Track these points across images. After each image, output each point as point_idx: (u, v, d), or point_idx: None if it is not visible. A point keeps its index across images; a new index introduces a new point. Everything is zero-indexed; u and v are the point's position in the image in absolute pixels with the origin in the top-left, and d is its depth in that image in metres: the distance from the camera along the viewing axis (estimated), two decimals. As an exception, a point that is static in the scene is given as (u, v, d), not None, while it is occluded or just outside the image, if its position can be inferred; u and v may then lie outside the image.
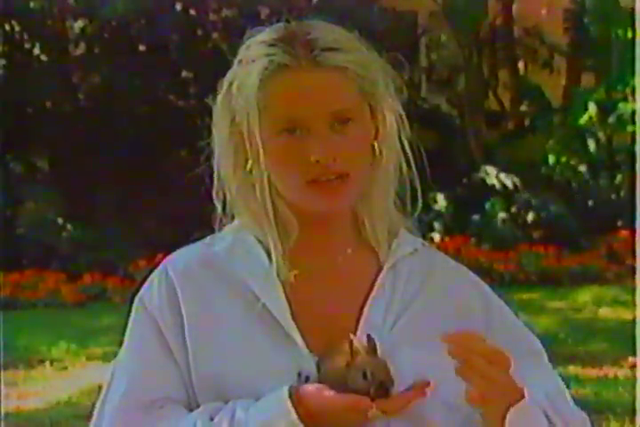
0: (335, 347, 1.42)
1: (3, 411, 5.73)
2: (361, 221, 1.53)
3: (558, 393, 1.50)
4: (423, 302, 1.51)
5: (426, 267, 1.55)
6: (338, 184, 1.43)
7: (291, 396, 1.38)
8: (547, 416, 1.44)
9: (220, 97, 1.49)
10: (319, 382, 1.41)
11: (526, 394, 1.40)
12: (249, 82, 1.43)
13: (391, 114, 1.48)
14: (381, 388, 1.37)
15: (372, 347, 1.39)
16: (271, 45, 1.43)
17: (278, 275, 1.48)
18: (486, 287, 1.58)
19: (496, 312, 1.55)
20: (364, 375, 1.37)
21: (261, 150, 1.43)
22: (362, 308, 1.49)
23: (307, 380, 1.43)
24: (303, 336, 1.46)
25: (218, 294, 1.49)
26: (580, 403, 1.53)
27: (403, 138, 1.50)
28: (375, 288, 1.50)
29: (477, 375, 1.35)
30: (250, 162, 1.47)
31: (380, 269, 1.53)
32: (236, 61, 1.48)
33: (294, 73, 1.41)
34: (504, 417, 1.39)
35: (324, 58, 1.42)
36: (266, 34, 1.46)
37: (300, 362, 1.44)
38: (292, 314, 1.47)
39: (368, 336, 1.39)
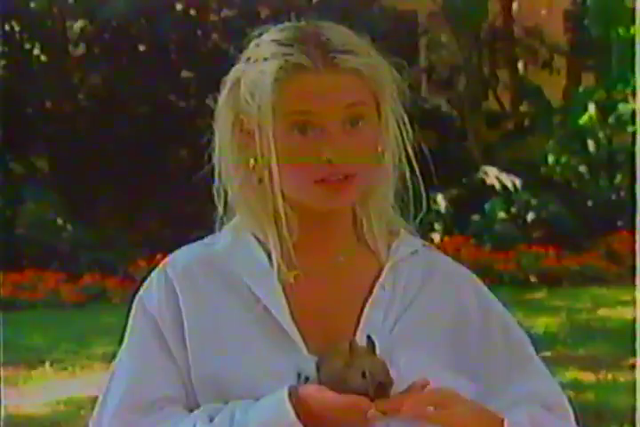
0: (334, 347, 1.42)
1: (3, 411, 5.73)
2: (359, 223, 1.53)
3: (547, 402, 1.49)
4: (423, 303, 1.51)
5: (426, 268, 1.55)
6: (344, 183, 1.44)
7: (290, 396, 1.38)
8: None
9: (223, 94, 1.48)
10: (319, 382, 1.41)
11: (506, 424, 1.41)
12: (263, 80, 1.42)
13: (394, 116, 1.49)
14: (380, 388, 1.37)
15: (371, 347, 1.39)
16: (285, 45, 1.43)
17: (278, 275, 1.48)
18: (485, 289, 1.58)
19: (493, 315, 1.55)
20: (363, 376, 1.37)
21: (273, 148, 1.43)
22: (362, 308, 1.49)
23: (306, 380, 1.42)
24: (303, 337, 1.46)
25: (217, 293, 1.49)
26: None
27: (405, 140, 1.51)
28: (376, 289, 1.50)
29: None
30: (252, 160, 1.47)
31: (380, 270, 1.53)
32: (242, 59, 1.47)
33: (311, 74, 1.41)
34: None
35: (341, 60, 1.42)
36: (277, 33, 1.46)
37: (300, 363, 1.44)
38: (292, 314, 1.47)
39: (368, 337, 1.39)
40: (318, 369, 1.43)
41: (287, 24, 1.48)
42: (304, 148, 1.42)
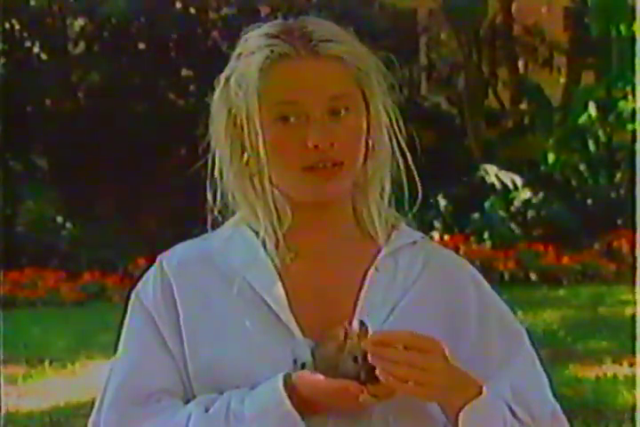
0: (329, 332, 1.42)
1: (3, 409, 5.73)
2: (359, 212, 1.55)
3: (530, 385, 1.50)
4: (422, 288, 1.52)
5: (426, 256, 1.56)
6: (332, 171, 1.45)
7: (285, 384, 1.39)
8: (512, 410, 1.44)
9: (217, 91, 1.51)
10: (314, 368, 1.41)
11: (484, 389, 1.41)
12: (249, 72, 1.45)
13: (383, 108, 1.51)
14: (372, 372, 1.37)
15: (364, 332, 1.39)
16: (271, 37, 1.46)
17: (273, 261, 1.49)
18: (482, 279, 1.59)
19: (491, 303, 1.57)
20: (355, 360, 1.37)
21: (260, 138, 1.45)
22: (359, 294, 1.50)
23: (302, 366, 1.43)
24: (299, 323, 1.46)
25: (213, 286, 1.50)
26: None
27: (397, 133, 1.52)
28: (370, 272, 1.51)
29: (403, 366, 1.35)
30: (246, 154, 1.48)
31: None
32: (233, 56, 1.51)
33: (294, 62, 1.45)
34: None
35: (322, 48, 1.46)
36: (264, 28, 1.50)
37: (296, 349, 1.44)
38: (289, 300, 1.48)
39: (360, 322, 1.40)
40: (313, 355, 1.43)
41: (276, 21, 1.51)
42: (289, 135, 1.45)
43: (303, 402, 1.39)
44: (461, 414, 1.40)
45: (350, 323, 1.43)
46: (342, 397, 1.37)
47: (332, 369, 1.38)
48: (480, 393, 1.41)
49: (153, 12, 12.39)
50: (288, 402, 1.38)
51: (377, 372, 1.35)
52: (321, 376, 1.38)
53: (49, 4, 12.97)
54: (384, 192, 1.54)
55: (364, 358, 1.37)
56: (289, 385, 1.39)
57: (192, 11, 13.27)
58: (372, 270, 1.51)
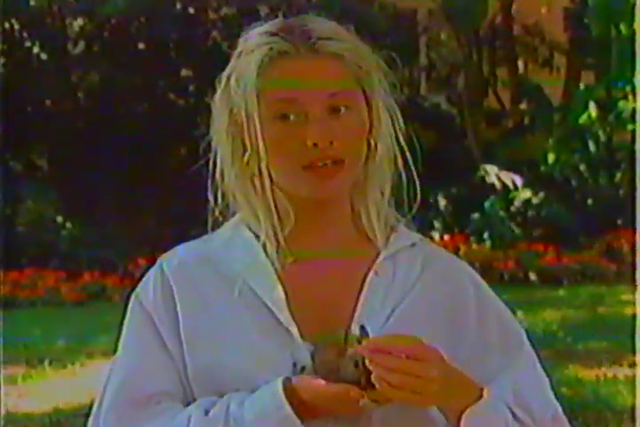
0: (330, 337, 1.42)
1: (3, 410, 5.73)
2: (357, 213, 1.54)
3: (531, 387, 1.50)
4: (420, 291, 1.52)
5: (425, 258, 1.55)
6: (333, 169, 1.45)
7: (285, 388, 1.39)
8: (513, 413, 1.44)
9: (218, 91, 1.50)
10: (314, 372, 1.41)
11: (485, 393, 1.41)
12: (248, 69, 1.45)
13: (385, 107, 1.50)
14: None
15: (364, 337, 1.39)
16: (270, 35, 1.46)
17: (273, 264, 1.48)
18: (481, 279, 1.59)
19: (489, 304, 1.56)
20: (356, 365, 1.37)
21: (260, 135, 1.44)
22: (359, 297, 1.49)
23: (302, 370, 1.43)
24: (299, 326, 1.46)
25: (213, 287, 1.50)
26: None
27: (397, 132, 1.52)
28: (369, 276, 1.51)
29: (399, 374, 1.33)
30: (247, 153, 1.48)
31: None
32: (234, 55, 1.50)
33: (293, 59, 1.44)
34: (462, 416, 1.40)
35: (322, 45, 1.45)
36: (264, 26, 1.49)
37: (296, 352, 1.44)
38: (288, 303, 1.47)
39: (361, 327, 1.40)
40: (313, 359, 1.43)
41: (276, 19, 1.51)
42: (289, 133, 1.44)
43: (303, 406, 1.38)
44: (463, 418, 1.39)
45: (350, 327, 1.42)
46: (343, 401, 1.37)
47: (333, 373, 1.38)
48: (481, 397, 1.41)
49: (153, 12, 12.39)
50: (288, 406, 1.38)
51: (372, 378, 1.34)
52: (321, 380, 1.38)
53: (49, 4, 12.98)
54: (384, 192, 1.53)
55: (365, 362, 1.36)
56: (289, 389, 1.39)
57: (192, 11, 13.27)
58: (371, 274, 1.51)
